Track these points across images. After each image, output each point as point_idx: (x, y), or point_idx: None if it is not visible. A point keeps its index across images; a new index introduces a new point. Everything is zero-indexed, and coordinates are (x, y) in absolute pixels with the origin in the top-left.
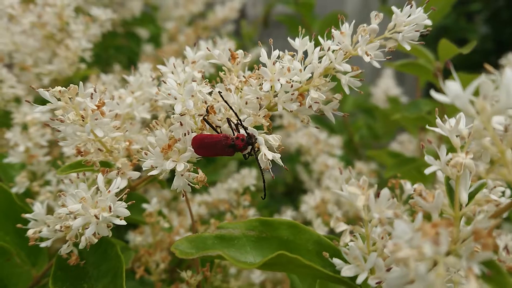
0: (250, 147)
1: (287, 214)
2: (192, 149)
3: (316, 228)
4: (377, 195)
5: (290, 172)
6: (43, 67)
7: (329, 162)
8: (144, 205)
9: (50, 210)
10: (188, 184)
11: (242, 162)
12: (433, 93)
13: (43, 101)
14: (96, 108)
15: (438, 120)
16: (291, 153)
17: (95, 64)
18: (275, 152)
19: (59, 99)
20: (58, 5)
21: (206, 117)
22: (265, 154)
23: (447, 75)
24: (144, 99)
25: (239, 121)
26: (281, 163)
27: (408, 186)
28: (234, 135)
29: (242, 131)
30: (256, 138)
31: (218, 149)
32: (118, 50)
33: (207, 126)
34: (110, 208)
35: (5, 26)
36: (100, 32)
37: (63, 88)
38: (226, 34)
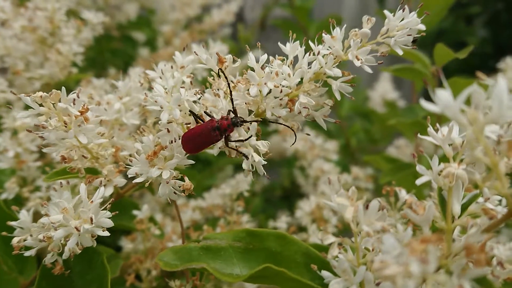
0: (238, 131)
1: (282, 220)
2: (183, 150)
3: (311, 234)
4: (366, 206)
5: (287, 176)
6: (34, 72)
7: (325, 167)
8: (135, 212)
9: (41, 217)
10: (175, 193)
11: (238, 166)
12: (422, 102)
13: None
14: (79, 114)
15: (430, 129)
16: (289, 157)
17: (91, 68)
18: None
19: (41, 105)
20: (49, 9)
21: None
22: (252, 156)
23: (440, 83)
24: (132, 105)
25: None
26: (263, 170)
27: (403, 193)
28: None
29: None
30: (243, 120)
31: (204, 136)
32: (114, 54)
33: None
34: (91, 219)
35: None
36: (92, 36)
37: (45, 93)
38: (222, 37)
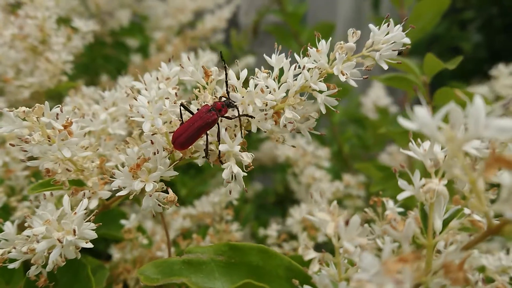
0: (232, 111)
1: (272, 228)
2: (175, 149)
3: (301, 242)
4: (346, 222)
5: (280, 181)
6: (23, 80)
7: (316, 174)
8: (123, 221)
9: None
10: (159, 205)
11: None
12: (400, 120)
13: None
14: (62, 128)
15: (411, 144)
16: (282, 163)
17: (83, 74)
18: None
19: (24, 119)
20: (39, 18)
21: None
22: (231, 167)
23: (434, 88)
24: (119, 115)
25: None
26: (242, 182)
27: (390, 204)
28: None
29: None
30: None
31: (199, 121)
32: (106, 60)
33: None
34: (74, 231)
35: None
36: (82, 44)
37: (27, 108)
38: (216, 43)
